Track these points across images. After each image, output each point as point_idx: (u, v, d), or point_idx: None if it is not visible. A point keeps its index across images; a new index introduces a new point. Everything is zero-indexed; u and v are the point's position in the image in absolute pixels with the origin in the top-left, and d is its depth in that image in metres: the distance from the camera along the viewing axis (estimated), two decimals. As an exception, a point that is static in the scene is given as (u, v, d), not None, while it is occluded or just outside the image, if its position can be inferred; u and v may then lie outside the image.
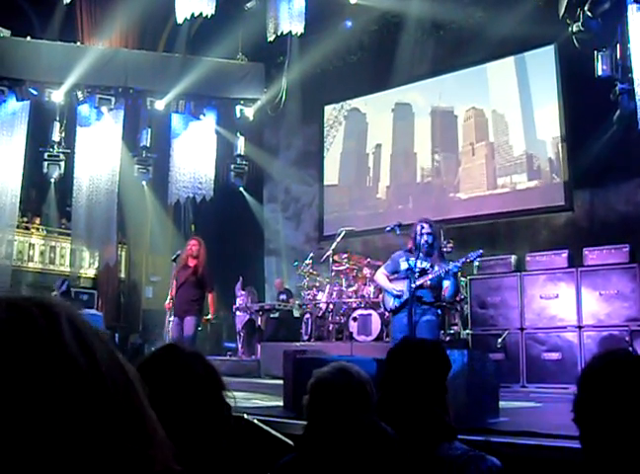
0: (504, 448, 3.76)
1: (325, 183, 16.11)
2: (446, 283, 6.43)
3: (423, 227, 6.54)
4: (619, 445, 1.41)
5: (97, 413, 0.68)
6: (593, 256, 8.76)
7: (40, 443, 0.64)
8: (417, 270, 6.41)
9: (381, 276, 6.85)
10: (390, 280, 6.71)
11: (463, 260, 6.45)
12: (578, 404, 1.51)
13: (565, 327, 8.62)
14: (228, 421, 1.68)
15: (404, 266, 6.54)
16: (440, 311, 6.72)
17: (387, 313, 7.05)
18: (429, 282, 6.36)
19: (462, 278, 10.57)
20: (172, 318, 8.93)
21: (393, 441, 1.67)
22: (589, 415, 1.47)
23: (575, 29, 10.60)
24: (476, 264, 9.68)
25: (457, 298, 6.83)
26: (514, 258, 9.58)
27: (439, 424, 2.19)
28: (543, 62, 12.73)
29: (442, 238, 8.81)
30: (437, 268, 6.39)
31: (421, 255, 6.46)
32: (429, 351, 2.37)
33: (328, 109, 16.30)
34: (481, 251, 6.43)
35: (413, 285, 6.33)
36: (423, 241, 6.46)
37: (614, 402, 1.43)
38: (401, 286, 6.50)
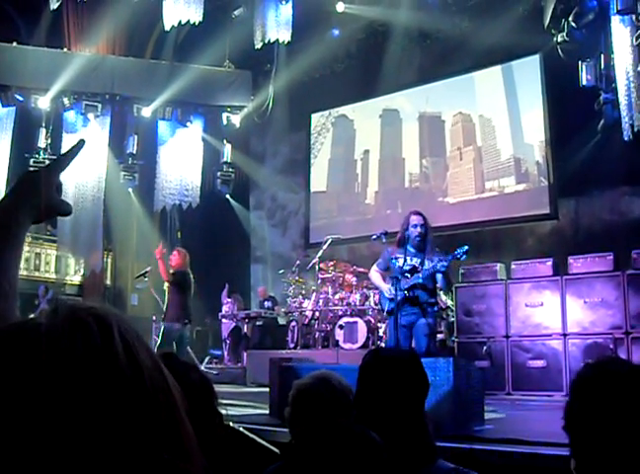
0: (489, 456, 3.78)
1: (313, 189, 16.14)
2: (439, 276, 6.38)
3: (415, 219, 6.46)
4: (610, 454, 1.41)
5: (138, 422, 0.70)
6: (577, 264, 8.81)
7: (83, 449, 0.66)
8: (406, 268, 6.36)
9: (375, 273, 6.82)
10: (385, 278, 6.68)
11: (450, 258, 6.37)
12: (569, 411, 1.51)
13: (550, 335, 8.66)
14: (220, 430, 1.69)
15: (398, 263, 6.44)
16: (435, 309, 6.63)
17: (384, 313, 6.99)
18: (420, 281, 6.28)
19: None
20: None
21: (381, 449, 1.68)
22: (580, 423, 1.47)
23: (559, 39, 10.73)
24: (461, 271, 9.72)
25: (449, 288, 6.75)
26: (499, 266, 9.61)
27: (419, 445, 2.07)
28: (529, 71, 12.85)
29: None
30: (427, 264, 6.33)
31: (411, 250, 6.41)
32: (403, 366, 2.19)
33: (315, 116, 16.34)
34: (466, 247, 6.36)
35: (404, 287, 6.29)
36: (415, 234, 6.38)
37: (606, 411, 1.42)
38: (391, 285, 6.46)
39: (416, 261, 6.37)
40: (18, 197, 1.21)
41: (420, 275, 6.28)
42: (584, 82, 10.40)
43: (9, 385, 0.67)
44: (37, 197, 1.20)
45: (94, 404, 0.68)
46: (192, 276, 9.54)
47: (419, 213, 6.57)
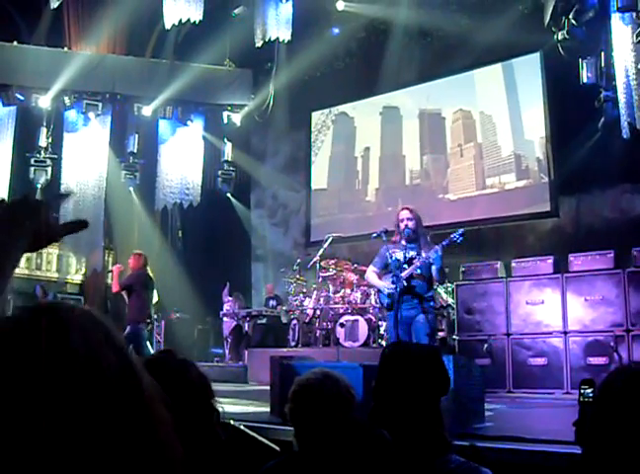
0: (489, 453, 3.79)
1: (314, 187, 16.15)
2: (433, 268, 6.45)
3: (402, 214, 6.62)
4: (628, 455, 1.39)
5: (101, 413, 0.72)
6: (578, 262, 8.81)
7: (38, 442, 0.68)
8: (403, 260, 6.43)
9: (371, 274, 6.90)
10: (382, 276, 6.75)
11: (447, 242, 6.44)
12: (594, 418, 1.49)
13: (551, 332, 8.67)
14: (217, 428, 1.70)
15: (394, 256, 6.57)
16: (432, 304, 6.67)
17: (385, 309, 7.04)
18: (418, 271, 6.34)
19: (449, 284, 10.63)
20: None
21: (390, 446, 1.68)
22: (602, 431, 1.46)
23: (560, 37, 10.71)
24: (462, 269, 9.72)
25: (443, 278, 6.77)
26: (500, 264, 9.62)
27: (434, 438, 2.12)
28: (529, 69, 12.85)
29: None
30: (423, 254, 6.41)
31: (406, 244, 6.50)
32: (424, 360, 2.24)
33: (315, 114, 16.35)
34: (462, 230, 6.45)
35: (403, 278, 6.34)
36: (403, 227, 6.51)
37: (631, 418, 1.41)
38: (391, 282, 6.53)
39: (412, 253, 6.45)
40: (11, 227, 1.13)
41: (418, 263, 6.35)
42: (584, 80, 10.40)
43: None
44: (29, 230, 1.15)
45: (50, 394, 0.70)
46: (149, 276, 9.98)
47: (406, 208, 6.75)
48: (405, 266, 6.43)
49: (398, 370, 2.22)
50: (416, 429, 2.10)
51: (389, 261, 6.60)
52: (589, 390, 2.01)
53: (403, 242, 6.56)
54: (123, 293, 9.60)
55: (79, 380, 0.71)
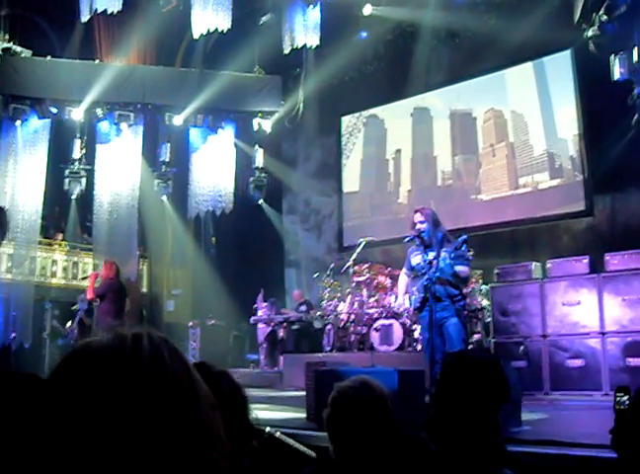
0: (526, 458, 3.75)
1: (346, 190, 16.16)
2: (459, 268, 6.39)
3: (414, 217, 6.62)
4: None
5: (161, 412, 0.86)
6: (614, 261, 8.67)
7: (110, 443, 0.83)
8: (424, 264, 6.42)
9: (402, 278, 7.00)
10: (413, 279, 6.78)
11: (452, 250, 6.36)
12: (630, 425, 1.47)
13: (588, 333, 8.54)
14: (252, 440, 1.70)
15: (415, 260, 6.60)
16: (462, 303, 6.58)
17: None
18: (438, 274, 6.30)
19: (483, 286, 10.56)
20: None
21: (431, 453, 1.67)
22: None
23: (591, 33, 10.57)
24: (496, 271, 9.64)
25: (458, 282, 6.67)
26: (535, 265, 9.51)
27: (491, 449, 2.11)
28: (561, 67, 12.72)
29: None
30: (442, 256, 6.35)
31: (423, 247, 6.49)
32: (486, 369, 2.25)
33: (346, 118, 16.37)
34: (465, 236, 6.38)
35: (422, 285, 6.34)
36: (416, 232, 6.50)
37: None
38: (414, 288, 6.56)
39: (432, 255, 6.42)
40: None
41: (434, 269, 6.31)
42: (616, 76, 10.24)
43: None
44: None
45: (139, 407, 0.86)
46: (122, 284, 10.40)
47: (417, 210, 6.73)
48: (424, 270, 6.42)
49: (459, 379, 2.23)
50: (474, 438, 2.09)
51: (415, 265, 6.63)
52: (624, 398, 1.98)
53: (421, 245, 6.56)
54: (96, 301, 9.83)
55: (165, 392, 0.88)
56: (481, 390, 2.17)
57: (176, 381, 0.90)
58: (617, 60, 10.23)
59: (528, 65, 13.30)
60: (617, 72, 10.21)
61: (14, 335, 12.83)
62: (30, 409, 0.90)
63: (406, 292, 6.90)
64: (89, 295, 9.64)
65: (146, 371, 0.88)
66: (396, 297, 9.90)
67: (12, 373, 1.35)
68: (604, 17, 10.23)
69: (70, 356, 0.91)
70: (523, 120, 13.37)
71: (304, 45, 12.91)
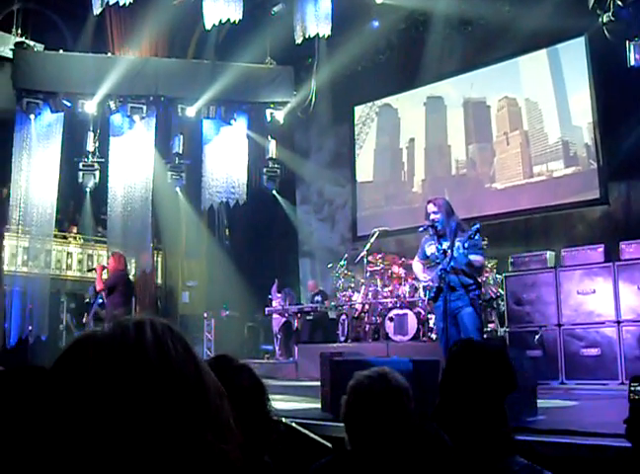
0: (542, 447, 3.74)
1: (360, 180, 16.15)
2: (473, 257, 6.36)
3: (427, 208, 6.63)
4: None
5: (167, 402, 0.85)
6: (630, 249, 8.62)
7: (115, 433, 0.81)
8: (438, 254, 6.41)
9: (416, 263, 6.98)
10: (426, 268, 6.80)
11: (466, 239, 6.32)
12: None
13: (603, 322, 8.50)
14: (270, 434, 1.70)
15: (429, 250, 6.61)
16: (477, 292, 6.54)
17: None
18: (452, 264, 6.28)
19: (498, 276, 10.53)
20: None
21: (450, 451, 1.67)
22: None
23: (605, 19, 10.48)
24: (510, 260, 9.61)
25: (472, 271, 6.60)
26: (549, 253, 9.47)
27: (499, 438, 2.11)
28: (575, 54, 12.60)
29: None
30: (456, 245, 6.33)
31: (437, 236, 6.49)
32: (492, 358, 2.25)
33: (359, 107, 16.34)
34: (478, 225, 6.34)
35: (437, 275, 6.33)
36: (432, 221, 6.49)
37: None
38: (432, 274, 6.55)
39: (446, 245, 6.40)
40: None
41: (448, 258, 6.28)
42: (632, 62, 10.15)
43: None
44: None
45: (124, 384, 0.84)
46: (129, 276, 10.26)
47: (430, 201, 6.73)
48: (438, 260, 6.41)
49: (465, 368, 2.23)
50: (481, 426, 2.10)
51: (430, 255, 6.63)
52: (639, 387, 1.97)
53: (435, 235, 6.54)
54: (104, 293, 9.73)
55: (170, 381, 0.86)
56: (486, 379, 2.17)
57: (181, 371, 0.87)
58: (632, 46, 10.13)
59: (542, 52, 13.20)
60: (633, 58, 10.12)
61: (30, 328, 12.94)
62: (35, 402, 0.89)
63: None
64: (98, 287, 9.56)
65: (150, 361, 0.85)
66: (417, 280, 9.87)
67: (21, 367, 1.36)
68: (619, 2, 10.13)
69: (71, 348, 0.89)
70: (538, 108, 13.28)
71: (316, 35, 12.86)
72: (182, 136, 14.36)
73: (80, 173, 13.57)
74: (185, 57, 14.77)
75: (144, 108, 13.76)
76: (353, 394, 2.50)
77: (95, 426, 0.80)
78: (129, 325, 0.89)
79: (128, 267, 10.81)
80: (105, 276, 9.74)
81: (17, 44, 13.28)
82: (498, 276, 10.52)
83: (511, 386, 2.25)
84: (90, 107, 13.49)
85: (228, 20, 12.39)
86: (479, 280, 6.82)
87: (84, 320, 13.12)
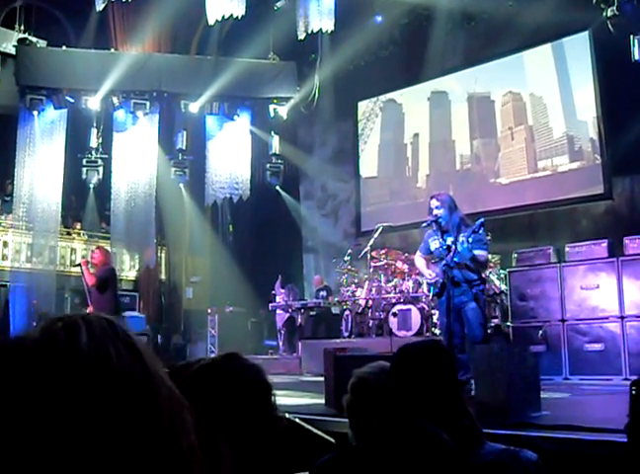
0: (546, 443, 3.74)
1: (364, 175, 16.15)
2: (477, 252, 6.33)
3: (430, 203, 6.60)
4: None
5: (104, 419, 0.72)
6: (634, 245, 8.60)
7: (43, 446, 0.69)
8: (442, 249, 6.39)
9: (418, 259, 6.94)
10: (430, 264, 6.77)
11: (469, 234, 6.30)
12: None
13: (607, 317, 8.49)
14: (276, 436, 1.69)
15: (434, 245, 6.57)
16: (481, 287, 6.52)
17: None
18: (456, 259, 6.27)
19: (501, 271, 10.51)
20: None
21: (452, 451, 1.65)
22: None
23: (609, 13, 10.44)
24: (514, 255, 9.59)
25: (477, 266, 6.58)
26: (553, 249, 9.46)
27: (462, 431, 2.05)
28: (579, 48, 12.58)
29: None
30: (460, 240, 6.31)
31: (441, 232, 6.46)
32: (426, 358, 2.21)
33: (362, 103, 16.32)
34: (482, 219, 6.32)
35: (441, 270, 6.31)
36: (433, 217, 6.47)
37: None
38: (437, 269, 6.52)
39: (450, 240, 6.39)
40: None
41: (452, 254, 6.25)
42: (636, 56, 10.12)
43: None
44: None
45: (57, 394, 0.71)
46: (115, 270, 9.83)
47: (433, 196, 6.69)
48: (442, 255, 6.38)
49: (404, 374, 2.20)
50: (442, 426, 2.06)
51: (434, 250, 6.61)
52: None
53: (439, 230, 6.52)
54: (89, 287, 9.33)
55: (110, 393, 0.73)
56: (424, 377, 2.14)
57: (126, 379, 0.75)
58: (637, 41, 10.10)
59: (547, 47, 13.16)
60: (637, 52, 10.09)
61: (35, 324, 12.96)
62: None
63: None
64: (90, 281, 9.11)
65: (84, 371, 0.72)
66: (421, 275, 9.84)
67: None
68: (623, -4, 10.10)
69: None
70: (542, 103, 13.25)
71: (319, 31, 12.83)
72: (185, 132, 14.36)
73: (84, 169, 13.59)
74: (188, 53, 14.77)
75: (147, 104, 13.76)
76: (357, 389, 2.50)
77: (15, 448, 0.68)
78: (59, 327, 0.77)
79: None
80: (92, 271, 9.37)
81: (20, 41, 13.29)
82: (502, 271, 10.50)
83: (451, 380, 2.20)
84: (93, 103, 13.49)
85: (231, 15, 12.36)
86: (483, 276, 6.82)
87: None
